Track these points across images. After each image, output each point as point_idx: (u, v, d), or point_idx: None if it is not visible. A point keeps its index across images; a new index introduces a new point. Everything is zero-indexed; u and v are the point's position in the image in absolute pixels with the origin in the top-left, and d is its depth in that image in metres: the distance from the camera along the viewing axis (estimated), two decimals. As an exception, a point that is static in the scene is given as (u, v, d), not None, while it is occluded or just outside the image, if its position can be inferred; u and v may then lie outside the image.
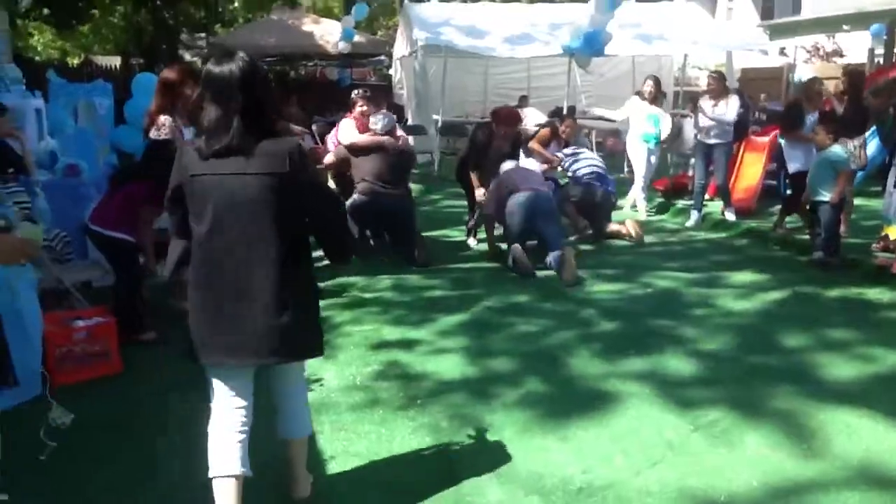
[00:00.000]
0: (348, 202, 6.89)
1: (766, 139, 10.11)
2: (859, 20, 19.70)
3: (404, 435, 3.78)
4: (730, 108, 8.63)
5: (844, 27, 21.58)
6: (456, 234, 8.45)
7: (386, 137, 7.23)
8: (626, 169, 12.36)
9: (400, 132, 7.63)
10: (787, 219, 8.12)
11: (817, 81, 8.71)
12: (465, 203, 8.31)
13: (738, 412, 3.99)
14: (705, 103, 8.73)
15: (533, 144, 8.49)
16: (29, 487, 3.28)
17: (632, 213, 9.56)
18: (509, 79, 16.36)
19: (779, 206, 8.54)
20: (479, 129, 7.89)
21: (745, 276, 6.69)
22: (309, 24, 19.28)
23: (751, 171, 9.88)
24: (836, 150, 6.97)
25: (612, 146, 13.34)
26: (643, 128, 9.30)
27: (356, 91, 8.12)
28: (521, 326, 5.42)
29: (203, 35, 27.99)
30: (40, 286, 4.60)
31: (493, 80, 16.36)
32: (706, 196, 9.32)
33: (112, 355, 4.54)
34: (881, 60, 17.49)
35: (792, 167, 7.99)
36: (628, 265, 7.14)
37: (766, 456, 3.56)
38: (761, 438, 3.72)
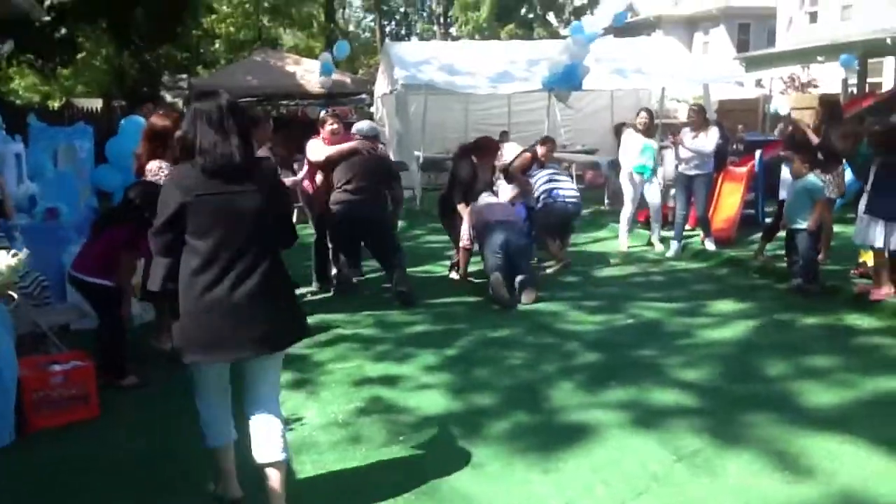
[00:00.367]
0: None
1: (744, 169, 10.23)
2: (832, 51, 20.11)
3: (387, 472, 3.75)
4: (709, 139, 8.73)
5: (818, 58, 22.01)
6: (439, 270, 8.46)
7: (359, 140, 7.06)
8: (606, 202, 12.48)
9: (380, 145, 7.49)
10: (767, 246, 8.18)
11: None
12: (447, 237, 8.34)
13: (721, 441, 3.99)
14: (685, 135, 8.82)
15: (515, 170, 8.44)
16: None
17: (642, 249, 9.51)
18: (490, 114, 16.50)
19: (758, 235, 8.61)
20: (461, 164, 7.84)
21: (725, 305, 6.73)
22: (290, 65, 19.45)
23: (730, 200, 9.97)
24: (812, 178, 7.07)
25: (592, 179, 13.45)
26: (637, 160, 9.26)
27: (325, 111, 8.08)
28: (504, 360, 5.41)
29: (185, 76, 28.14)
30: (17, 331, 4.56)
31: (473, 115, 16.49)
32: (687, 226, 9.39)
33: (90, 399, 4.49)
34: (854, 90, 17.78)
35: (785, 194, 7.96)
36: (610, 296, 7.17)
37: (749, 484, 3.56)
38: (744, 467, 3.72)
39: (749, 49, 31.18)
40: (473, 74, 14.20)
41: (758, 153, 10.48)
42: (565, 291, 7.38)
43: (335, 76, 18.17)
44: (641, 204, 9.47)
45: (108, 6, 16.78)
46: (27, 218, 6.55)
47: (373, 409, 4.55)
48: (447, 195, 7.92)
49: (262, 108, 21.65)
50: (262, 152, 6.31)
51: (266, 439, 3.17)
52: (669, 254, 8.98)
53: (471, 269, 7.75)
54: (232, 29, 30.44)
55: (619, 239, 9.61)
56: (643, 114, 9.50)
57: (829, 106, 8.95)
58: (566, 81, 10.51)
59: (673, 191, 9.49)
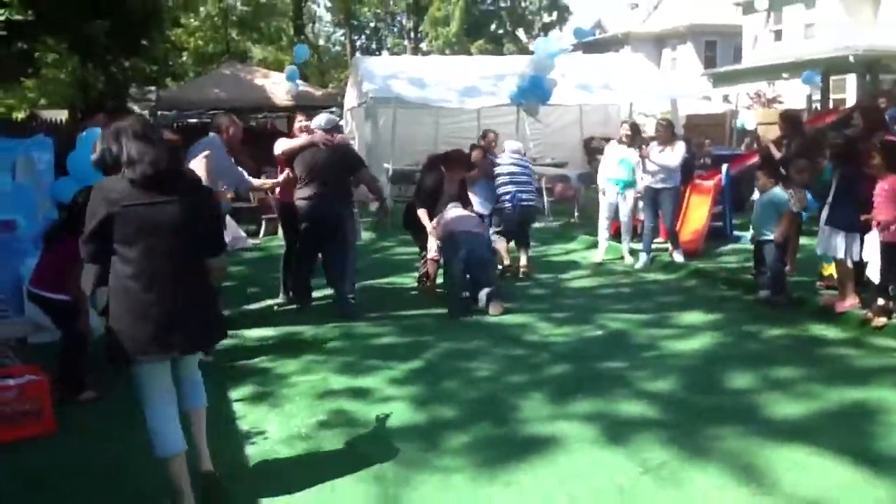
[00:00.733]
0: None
1: (710, 183, 10.30)
2: (797, 68, 20.44)
3: (348, 486, 3.67)
4: (675, 154, 8.78)
5: (784, 75, 22.36)
6: (407, 282, 8.39)
7: (318, 133, 6.91)
8: (575, 214, 12.51)
9: (340, 135, 7.33)
10: (733, 259, 8.21)
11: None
12: (416, 249, 8.29)
13: (687, 453, 3.95)
14: (652, 149, 8.86)
15: (471, 175, 8.41)
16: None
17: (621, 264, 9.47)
18: (460, 128, 16.52)
19: (726, 247, 8.64)
20: (428, 174, 7.86)
21: (693, 317, 6.73)
22: (259, 78, 19.29)
23: (697, 213, 10.03)
24: (777, 192, 7.13)
25: (561, 192, 13.47)
26: (613, 171, 9.25)
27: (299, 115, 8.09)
28: (471, 372, 5.35)
29: (153, 88, 27.85)
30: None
31: (444, 129, 16.50)
32: (658, 238, 9.41)
33: (44, 414, 4.37)
34: (818, 106, 18.04)
35: None
36: (579, 308, 7.15)
37: (715, 496, 3.52)
38: (710, 479, 3.68)
39: (716, 65, 31.60)
40: (442, 88, 14.23)
41: (724, 167, 10.57)
42: (534, 303, 7.35)
43: (304, 87, 18.08)
44: (615, 216, 9.45)
45: (65, 22, 16.50)
46: (-18, 230, 6.38)
47: (336, 423, 4.47)
48: (412, 204, 7.90)
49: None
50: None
51: (192, 390, 3.54)
52: (638, 266, 8.99)
53: (439, 280, 7.69)
54: (200, 42, 30.31)
55: (598, 249, 9.53)
56: (625, 125, 9.52)
57: (790, 121, 9.03)
58: (533, 93, 10.52)
59: (641, 203, 9.50)
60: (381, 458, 3.95)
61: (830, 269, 6.97)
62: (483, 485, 3.68)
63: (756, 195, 7.49)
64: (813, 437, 4.11)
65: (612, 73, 15.52)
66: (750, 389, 4.91)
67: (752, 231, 7.43)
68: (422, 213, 7.61)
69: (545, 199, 12.55)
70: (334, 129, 7.12)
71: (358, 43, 43.82)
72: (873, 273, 6.10)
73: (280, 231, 11.68)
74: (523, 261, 8.55)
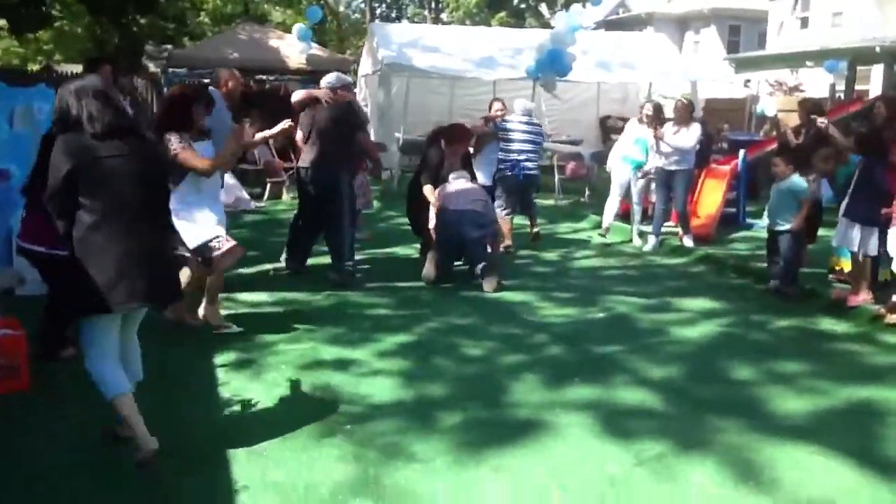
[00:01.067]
0: None
1: (727, 167, 10.05)
2: (822, 56, 19.99)
3: (327, 464, 3.50)
4: (690, 135, 8.53)
5: (808, 63, 21.91)
6: (410, 252, 8.20)
7: (323, 90, 6.83)
8: (586, 193, 12.26)
9: (348, 94, 7.17)
10: (744, 247, 7.99)
11: None
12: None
13: (685, 446, 3.77)
14: (667, 130, 8.61)
15: (476, 129, 8.27)
16: None
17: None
18: (475, 100, 16.18)
19: (738, 234, 8.41)
20: (430, 149, 7.65)
21: (699, 303, 6.52)
22: (274, 40, 19.00)
23: (711, 198, 9.79)
24: (796, 179, 6.86)
25: (574, 170, 13.21)
26: (627, 150, 9.03)
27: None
28: (466, 349, 5.17)
29: (169, 47, 27.65)
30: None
31: (459, 100, 16.19)
32: (669, 222, 9.17)
33: (20, 370, 4.22)
34: (842, 95, 17.67)
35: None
36: (583, 288, 6.95)
37: (712, 493, 3.35)
38: (707, 474, 3.50)
39: (739, 50, 31.07)
40: (459, 58, 13.98)
41: (742, 152, 10.31)
42: (536, 281, 7.16)
43: (316, 51, 17.80)
44: (626, 195, 9.22)
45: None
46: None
47: (320, 395, 4.31)
48: (416, 179, 7.70)
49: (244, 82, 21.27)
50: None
51: (133, 357, 3.59)
52: (647, 248, 8.78)
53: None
54: (219, 2, 29.99)
55: (603, 221, 9.29)
56: (648, 105, 9.22)
57: (810, 109, 8.74)
58: (551, 67, 10.26)
59: (654, 185, 9.26)
60: (363, 436, 3.78)
61: (843, 264, 6.75)
62: (469, 468, 3.51)
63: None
64: (817, 435, 3.92)
65: (633, 52, 15.21)
66: (753, 382, 4.72)
67: (766, 219, 7.20)
68: (427, 190, 7.38)
69: (556, 176, 12.29)
70: (344, 87, 6.98)
71: (378, 11, 43.36)
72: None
73: (285, 194, 11.67)
74: (534, 228, 8.72)
